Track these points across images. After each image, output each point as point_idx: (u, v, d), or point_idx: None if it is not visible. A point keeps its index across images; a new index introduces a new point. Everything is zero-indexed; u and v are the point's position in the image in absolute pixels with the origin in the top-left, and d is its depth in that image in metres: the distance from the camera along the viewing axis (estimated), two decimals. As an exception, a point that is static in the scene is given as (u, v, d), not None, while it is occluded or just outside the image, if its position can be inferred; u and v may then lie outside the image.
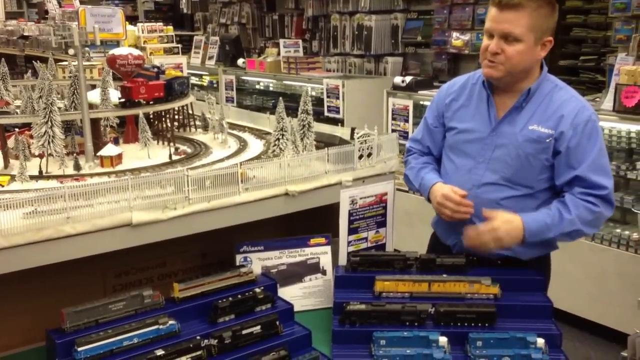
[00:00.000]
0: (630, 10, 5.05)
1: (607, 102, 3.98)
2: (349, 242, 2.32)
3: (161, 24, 5.00)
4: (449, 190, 2.27)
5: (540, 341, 1.89)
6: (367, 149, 2.31)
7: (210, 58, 8.27)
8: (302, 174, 2.18)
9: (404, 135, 5.08)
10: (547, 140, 2.22)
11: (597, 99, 4.34)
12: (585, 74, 6.68)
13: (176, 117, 2.95)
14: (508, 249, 2.28)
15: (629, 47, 4.80)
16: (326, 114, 6.28)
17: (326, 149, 2.25)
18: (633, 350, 3.08)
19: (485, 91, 2.34)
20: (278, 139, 2.22)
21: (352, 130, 2.47)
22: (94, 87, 3.01)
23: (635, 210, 3.92)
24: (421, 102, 5.11)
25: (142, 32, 4.83)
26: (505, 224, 2.17)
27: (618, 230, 4.10)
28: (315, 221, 2.39)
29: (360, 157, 2.31)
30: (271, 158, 2.19)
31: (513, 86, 2.28)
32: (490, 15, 2.20)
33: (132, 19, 10.34)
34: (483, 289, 2.08)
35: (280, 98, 2.27)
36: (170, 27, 5.04)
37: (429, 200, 2.40)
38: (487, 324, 1.98)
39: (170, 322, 1.84)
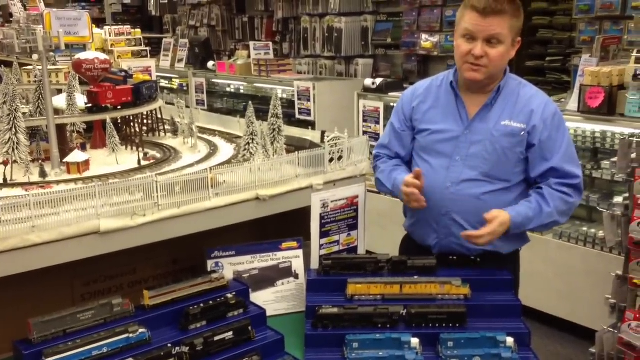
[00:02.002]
0: (594, 12, 5.15)
1: (572, 103, 4.05)
2: (321, 246, 2.32)
3: (129, 26, 4.94)
4: (409, 177, 2.32)
5: (510, 340, 1.92)
6: (338, 152, 2.32)
7: (180, 61, 8.20)
8: (272, 178, 2.17)
9: (375, 137, 5.10)
10: (521, 134, 2.33)
11: (563, 100, 4.42)
12: (551, 75, 6.80)
13: (145, 121, 2.92)
14: (489, 244, 2.36)
15: (592, 48, 4.91)
16: (297, 116, 6.28)
17: (297, 152, 2.25)
18: (601, 346, 3.14)
19: (453, 92, 2.40)
20: (248, 144, 2.22)
21: (323, 133, 2.48)
22: (60, 91, 2.96)
23: (600, 209, 3.99)
24: (391, 104, 5.14)
25: (110, 35, 4.76)
26: (501, 227, 2.27)
27: (584, 229, 4.18)
28: (287, 225, 2.39)
29: (331, 160, 2.31)
30: (241, 163, 2.18)
31: (487, 86, 2.36)
32: (472, 21, 2.24)
33: (99, 22, 10.21)
34: (453, 290, 2.10)
35: (250, 102, 2.26)
36: (139, 30, 4.98)
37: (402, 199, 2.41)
38: (457, 324, 2.01)
39: (141, 330, 1.81)
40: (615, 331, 3.04)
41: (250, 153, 2.21)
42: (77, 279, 2.18)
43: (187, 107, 3.04)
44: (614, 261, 3.65)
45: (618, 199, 3.04)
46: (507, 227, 2.28)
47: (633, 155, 2.93)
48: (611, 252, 3.83)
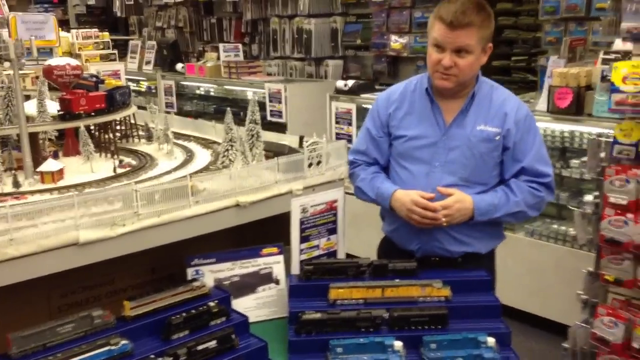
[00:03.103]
0: (560, 14, 5.28)
1: (542, 103, 4.13)
2: (301, 251, 2.32)
3: (96, 29, 4.86)
4: (416, 195, 2.32)
5: (491, 340, 1.94)
6: (317, 157, 2.32)
7: (148, 63, 8.09)
8: (252, 185, 2.16)
9: (348, 138, 5.13)
10: (497, 138, 2.37)
11: (532, 100, 4.50)
12: (517, 74, 6.92)
13: (118, 127, 2.87)
14: (467, 245, 2.43)
15: (559, 48, 5.02)
16: (269, 118, 6.26)
17: (276, 158, 2.24)
18: (574, 341, 3.21)
19: (428, 97, 2.42)
20: (227, 150, 2.20)
21: (301, 138, 2.48)
22: (27, 97, 2.89)
23: (570, 207, 4.08)
24: (364, 105, 5.17)
25: (77, 39, 4.68)
26: (457, 203, 2.31)
27: (555, 226, 4.27)
28: (266, 231, 2.38)
29: (310, 165, 2.31)
30: (221, 169, 2.16)
31: (459, 92, 2.38)
32: (440, 32, 2.27)
33: (63, 23, 10.00)
34: (435, 292, 2.11)
35: (228, 109, 2.24)
36: (106, 33, 4.89)
37: (390, 208, 2.42)
38: (439, 326, 2.02)
39: (123, 342, 1.78)
40: (588, 326, 3.12)
41: (230, 160, 2.19)
42: (53, 290, 2.13)
43: (160, 112, 3.01)
44: (584, 257, 3.73)
45: (588, 198, 3.11)
46: (470, 210, 2.32)
47: (602, 155, 3.01)
48: (581, 249, 3.92)
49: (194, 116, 6.73)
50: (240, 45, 7.33)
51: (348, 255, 2.43)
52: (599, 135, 3.06)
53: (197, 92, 7.68)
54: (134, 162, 2.51)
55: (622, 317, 2.84)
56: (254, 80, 6.69)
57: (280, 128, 5.93)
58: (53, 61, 2.56)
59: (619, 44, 3.57)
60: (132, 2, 10.45)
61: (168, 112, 6.46)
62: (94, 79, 2.89)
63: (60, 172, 2.23)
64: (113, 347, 1.76)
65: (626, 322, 2.82)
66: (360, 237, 3.76)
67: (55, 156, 2.51)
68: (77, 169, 2.39)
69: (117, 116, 2.62)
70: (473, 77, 2.40)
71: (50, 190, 2.10)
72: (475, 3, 2.28)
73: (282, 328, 2.10)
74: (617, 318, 2.85)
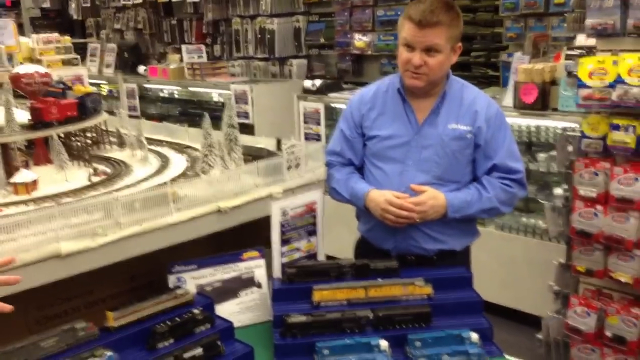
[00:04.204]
0: (519, 10, 5.40)
1: (507, 99, 4.21)
2: (282, 254, 2.32)
3: (57, 34, 4.74)
4: (390, 195, 2.34)
5: (475, 336, 1.97)
6: (295, 159, 2.32)
7: (108, 66, 7.94)
8: (232, 190, 2.15)
9: (317, 138, 5.14)
10: (468, 136, 2.40)
11: (497, 96, 4.58)
12: (477, 69, 7.03)
13: (88, 134, 2.81)
14: (442, 242, 2.46)
15: (520, 44, 5.13)
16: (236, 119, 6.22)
17: (256, 162, 2.23)
18: (547, 332, 3.29)
19: (400, 97, 2.45)
20: (206, 155, 2.18)
21: (279, 141, 2.48)
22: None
23: (540, 200, 4.17)
24: (332, 105, 5.19)
25: (37, 44, 4.56)
26: (430, 200, 2.35)
27: (524, 219, 4.36)
28: (244, 235, 2.37)
29: (289, 168, 2.31)
30: (200, 175, 2.15)
31: (430, 91, 2.41)
32: (409, 31, 2.30)
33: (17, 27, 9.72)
34: (417, 290, 2.14)
35: (206, 114, 2.22)
36: (68, 37, 4.78)
37: (365, 208, 2.45)
38: (423, 324, 2.05)
39: (108, 353, 1.75)
40: (560, 317, 3.20)
41: (209, 165, 2.18)
42: (30, 303, 2.08)
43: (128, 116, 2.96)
44: (553, 249, 3.82)
45: (558, 191, 3.20)
46: (443, 207, 2.36)
47: (570, 149, 3.09)
48: (550, 240, 4.01)
49: (158, 119, 6.65)
50: (203, 47, 7.25)
51: (329, 258, 2.44)
52: (565, 129, 3.14)
53: (161, 94, 7.58)
54: (108, 170, 2.46)
55: (594, 306, 2.93)
56: (218, 81, 6.63)
57: (247, 129, 5.90)
58: (21, 69, 2.50)
59: (581, 40, 3.67)
60: (88, 4, 10.22)
61: (131, 116, 6.35)
62: (61, 85, 2.82)
63: (34, 183, 2.18)
64: (98, 359, 1.73)
65: (598, 311, 2.91)
66: (333, 237, 3.77)
67: (27, 166, 2.44)
68: (50, 178, 2.33)
69: (90, 123, 2.57)
70: (443, 76, 2.44)
71: (25, 202, 2.04)
72: (443, 3, 2.31)
73: (267, 332, 2.10)
74: (590, 308, 2.94)
